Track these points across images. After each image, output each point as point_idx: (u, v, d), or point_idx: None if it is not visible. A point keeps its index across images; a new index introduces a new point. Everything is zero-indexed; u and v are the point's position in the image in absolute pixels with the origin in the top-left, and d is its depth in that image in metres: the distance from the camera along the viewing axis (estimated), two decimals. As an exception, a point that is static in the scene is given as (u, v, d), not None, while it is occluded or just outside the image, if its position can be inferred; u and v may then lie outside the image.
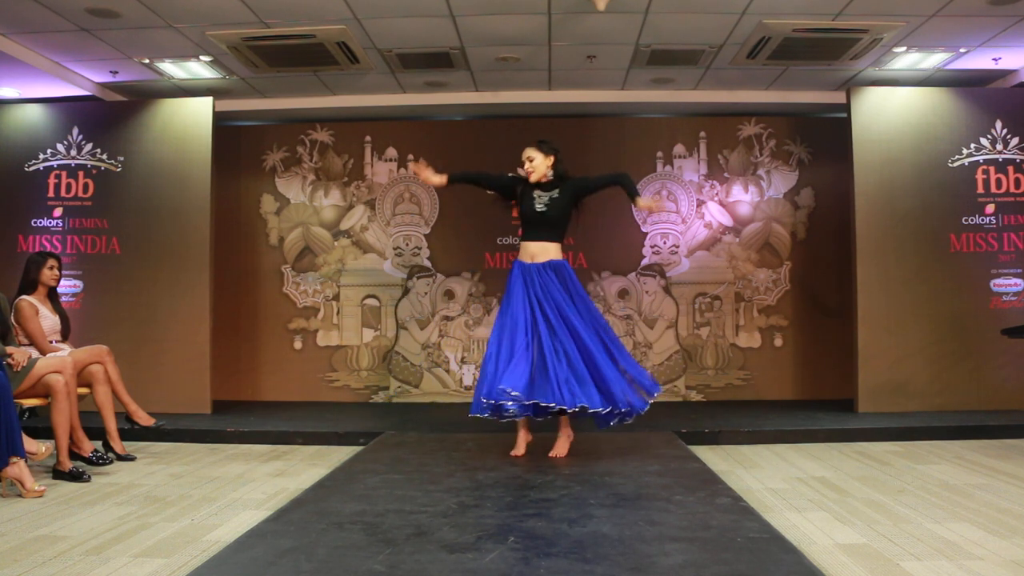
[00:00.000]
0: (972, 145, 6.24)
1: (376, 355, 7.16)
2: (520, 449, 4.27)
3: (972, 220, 6.23)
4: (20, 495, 3.66)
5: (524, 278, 4.22)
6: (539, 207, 4.27)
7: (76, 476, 4.02)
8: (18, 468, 3.66)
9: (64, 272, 5.49)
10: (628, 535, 2.78)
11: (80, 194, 6.41)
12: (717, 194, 7.17)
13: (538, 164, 4.30)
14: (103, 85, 6.54)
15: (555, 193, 4.29)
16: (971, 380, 6.09)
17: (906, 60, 6.08)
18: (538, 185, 4.32)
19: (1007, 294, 6.22)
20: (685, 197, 7.17)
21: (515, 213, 4.50)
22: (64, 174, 6.42)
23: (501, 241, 7.16)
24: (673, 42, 5.74)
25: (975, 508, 3.37)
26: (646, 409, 4.09)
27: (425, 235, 7.23)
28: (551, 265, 4.25)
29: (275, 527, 2.91)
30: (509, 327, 4.12)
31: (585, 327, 4.10)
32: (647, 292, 7.13)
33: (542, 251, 4.26)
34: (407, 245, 7.21)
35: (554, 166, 4.33)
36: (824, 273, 7.01)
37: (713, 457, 4.64)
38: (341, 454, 4.76)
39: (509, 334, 4.09)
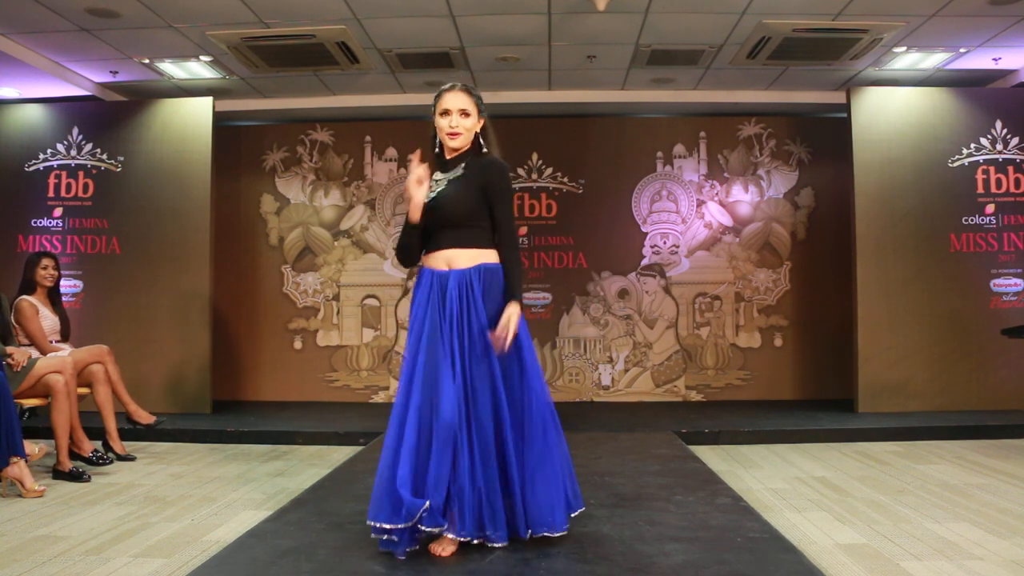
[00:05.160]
0: (972, 145, 6.24)
1: (376, 355, 7.16)
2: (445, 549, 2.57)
3: (972, 220, 6.23)
4: (20, 495, 3.66)
5: (431, 298, 2.69)
6: (429, 194, 2.73)
7: (76, 476, 4.03)
8: (18, 468, 3.66)
9: (64, 272, 5.49)
10: (628, 535, 2.78)
11: (80, 194, 6.40)
12: (717, 194, 7.16)
13: (469, 126, 2.76)
14: (103, 85, 6.54)
15: (458, 172, 2.76)
16: (971, 380, 6.09)
17: (906, 60, 6.08)
18: (444, 163, 2.81)
19: (1007, 294, 6.22)
20: (685, 197, 7.17)
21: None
22: (64, 174, 6.42)
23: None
24: (673, 42, 5.74)
25: (975, 508, 3.37)
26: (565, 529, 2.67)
27: (425, 235, 7.22)
28: (479, 273, 2.69)
29: (275, 527, 2.91)
30: (414, 401, 2.59)
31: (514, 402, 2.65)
32: (647, 292, 7.13)
33: (458, 258, 2.72)
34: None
35: (482, 135, 2.81)
36: (824, 273, 7.00)
37: (713, 457, 4.64)
38: (341, 454, 4.75)
39: (413, 411, 2.57)
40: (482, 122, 2.80)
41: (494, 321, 2.63)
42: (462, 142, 2.76)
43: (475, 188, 2.72)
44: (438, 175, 2.79)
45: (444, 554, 2.53)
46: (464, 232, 2.73)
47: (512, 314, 2.63)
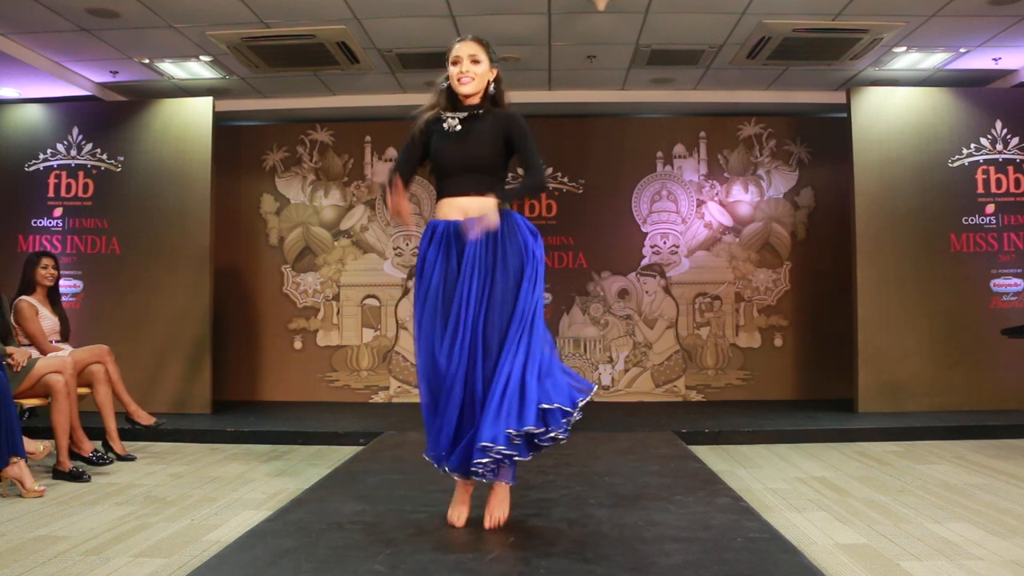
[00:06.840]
0: (972, 145, 6.24)
1: (376, 355, 7.16)
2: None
3: (972, 220, 6.23)
4: (20, 495, 3.66)
5: (442, 250, 2.77)
6: (453, 127, 2.81)
7: (76, 476, 4.02)
8: (18, 468, 3.66)
9: (64, 272, 5.49)
10: (628, 535, 2.78)
11: (80, 194, 6.40)
12: (717, 194, 7.16)
13: (481, 72, 2.80)
14: (103, 85, 6.54)
15: (477, 112, 2.83)
16: (971, 380, 6.09)
17: (906, 60, 6.08)
18: (455, 107, 2.87)
19: (1007, 294, 6.22)
20: (685, 197, 7.17)
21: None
22: (64, 174, 6.41)
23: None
24: (673, 42, 5.74)
25: (975, 508, 3.37)
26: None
27: (425, 235, 7.22)
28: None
29: (275, 527, 2.90)
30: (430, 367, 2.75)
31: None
32: (647, 292, 7.13)
33: (473, 207, 2.74)
34: (407, 245, 7.21)
35: (494, 84, 2.86)
36: (824, 273, 7.00)
37: (713, 457, 4.64)
38: (341, 454, 4.75)
39: (432, 373, 2.75)
40: (494, 72, 2.84)
41: (515, 265, 2.69)
42: (474, 88, 2.79)
43: (500, 136, 2.77)
44: (450, 114, 2.84)
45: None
46: (484, 179, 2.76)
47: (490, 206, 2.66)
